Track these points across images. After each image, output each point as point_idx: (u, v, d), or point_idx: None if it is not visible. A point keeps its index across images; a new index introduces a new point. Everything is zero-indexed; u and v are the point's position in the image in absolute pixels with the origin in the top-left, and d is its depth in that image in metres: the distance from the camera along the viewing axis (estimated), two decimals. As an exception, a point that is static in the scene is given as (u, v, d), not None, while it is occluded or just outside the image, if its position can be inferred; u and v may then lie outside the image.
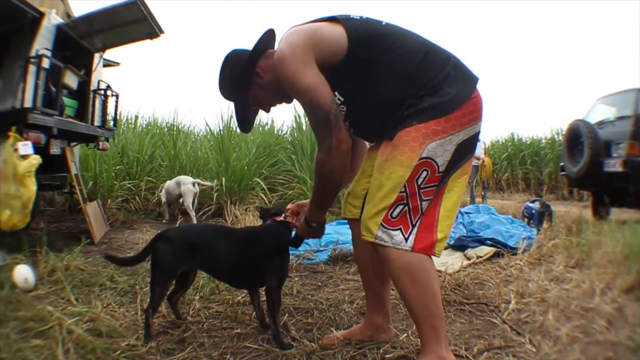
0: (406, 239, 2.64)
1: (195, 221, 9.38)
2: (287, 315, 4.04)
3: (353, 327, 3.53)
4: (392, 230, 2.65)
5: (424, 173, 2.61)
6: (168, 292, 3.67)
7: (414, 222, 2.66)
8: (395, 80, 2.70)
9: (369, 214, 2.74)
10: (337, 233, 7.03)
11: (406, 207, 2.65)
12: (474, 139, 2.75)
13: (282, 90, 2.83)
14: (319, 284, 5.16)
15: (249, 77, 2.96)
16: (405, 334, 3.47)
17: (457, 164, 2.69)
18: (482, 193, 14.67)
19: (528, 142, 20.46)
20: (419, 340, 3.15)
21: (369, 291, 3.49)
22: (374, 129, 2.99)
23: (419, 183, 2.62)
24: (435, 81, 2.65)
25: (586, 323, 3.39)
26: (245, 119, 3.27)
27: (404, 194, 2.63)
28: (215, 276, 3.85)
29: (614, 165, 8.82)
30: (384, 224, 2.66)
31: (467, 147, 2.70)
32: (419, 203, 2.65)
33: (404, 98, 2.68)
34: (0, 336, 3.03)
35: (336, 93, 2.80)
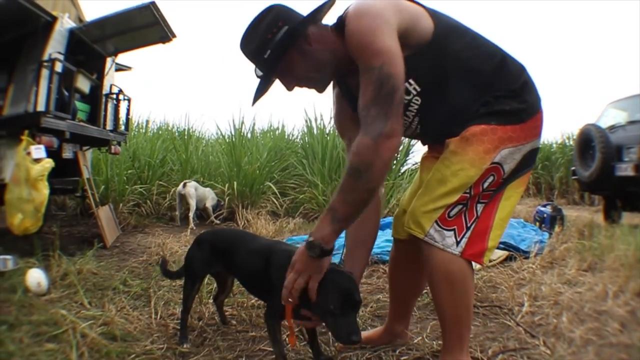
0: (457, 243, 2.52)
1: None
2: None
3: (370, 332, 3.49)
4: (446, 230, 2.52)
5: (491, 178, 2.52)
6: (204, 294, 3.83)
7: (468, 226, 2.54)
8: (473, 78, 2.57)
9: (424, 208, 2.58)
10: (342, 238, 6.90)
11: (464, 208, 2.54)
12: (536, 152, 2.72)
13: (321, 67, 2.58)
14: None
15: (295, 37, 2.50)
16: (420, 337, 3.46)
17: (518, 173, 2.63)
18: None
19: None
20: (433, 342, 3.22)
21: (397, 302, 3.43)
22: (443, 127, 2.65)
23: (484, 187, 2.53)
24: (514, 86, 2.57)
25: (599, 326, 3.38)
26: (262, 88, 2.69)
27: (468, 194, 2.52)
28: (240, 282, 3.77)
29: (625, 169, 8.76)
30: (439, 222, 2.53)
31: (530, 159, 2.66)
32: (476, 206, 2.55)
33: (480, 96, 2.57)
34: (14, 340, 3.02)
35: (411, 81, 2.55)
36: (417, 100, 2.61)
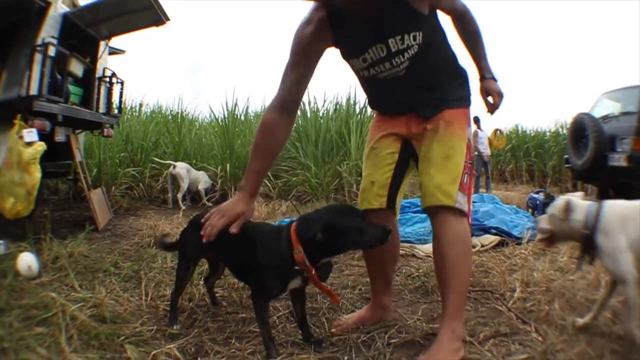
0: (466, 205, 2.89)
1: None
2: (288, 301, 3.95)
3: (361, 312, 3.56)
4: (464, 194, 2.85)
5: (468, 153, 2.96)
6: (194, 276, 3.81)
7: (471, 191, 2.95)
8: (451, 61, 3.12)
9: (446, 180, 2.84)
10: None
11: (468, 176, 2.91)
12: None
13: None
14: None
15: None
16: (412, 320, 3.50)
17: None
18: (486, 184, 14.71)
19: (532, 135, 20.48)
20: (424, 325, 3.32)
21: (379, 274, 3.54)
22: (421, 90, 3.05)
23: (467, 159, 2.94)
24: (466, 77, 3.12)
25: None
26: None
27: (468, 164, 2.92)
28: (228, 266, 3.78)
29: (618, 160, 8.81)
30: (462, 190, 2.83)
31: None
32: (468, 176, 2.92)
33: (452, 79, 3.10)
34: (3, 325, 3.04)
35: (420, 33, 2.79)
36: (415, 50, 2.83)
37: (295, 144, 12.13)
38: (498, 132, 14.88)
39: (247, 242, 3.04)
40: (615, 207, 3.09)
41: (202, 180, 10.45)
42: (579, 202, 3.21)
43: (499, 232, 6.26)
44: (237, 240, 3.08)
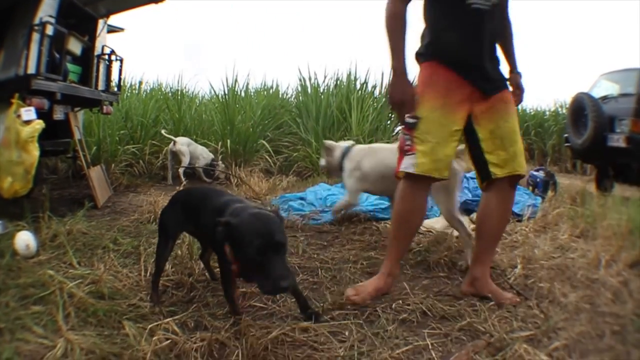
0: None
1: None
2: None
3: (374, 281, 3.67)
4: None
5: None
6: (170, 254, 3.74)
7: None
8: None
9: (520, 150, 3.51)
10: (342, 194, 6.95)
11: None
12: None
13: None
14: (325, 243, 5.25)
15: None
16: (416, 295, 3.60)
17: None
18: None
19: (532, 114, 20.34)
20: (427, 300, 3.45)
21: (406, 244, 3.89)
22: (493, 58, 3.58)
23: None
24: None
25: (592, 293, 3.47)
26: None
27: None
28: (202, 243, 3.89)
29: (617, 140, 8.80)
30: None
31: None
32: None
33: (498, 58, 3.64)
34: (-1, 305, 3.06)
35: None
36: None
37: (296, 119, 12.18)
38: None
39: (210, 220, 2.94)
40: (358, 148, 5.73)
41: (203, 156, 10.35)
42: (336, 144, 6.03)
43: None
44: (209, 215, 3.05)
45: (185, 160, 9.81)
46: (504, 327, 3.02)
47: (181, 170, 9.75)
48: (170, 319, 3.06)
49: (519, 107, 18.11)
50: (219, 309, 3.39)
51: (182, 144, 9.92)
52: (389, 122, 11.85)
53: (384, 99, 11.93)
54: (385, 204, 6.38)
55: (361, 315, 3.27)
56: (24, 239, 4.24)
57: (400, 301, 3.47)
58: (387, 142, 10.30)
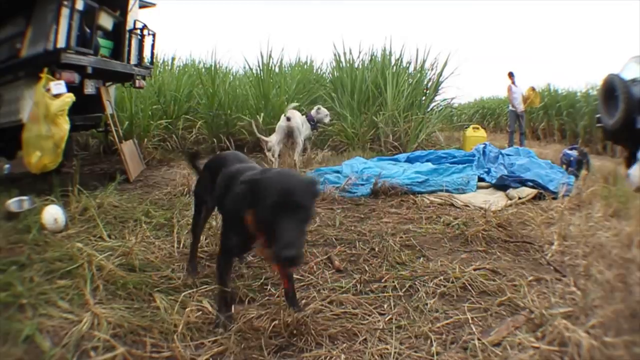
0: None
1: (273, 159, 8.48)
2: (330, 246, 4.13)
3: None
4: None
5: None
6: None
7: None
8: None
9: None
10: (379, 167, 7.08)
11: None
12: None
13: None
14: (362, 216, 5.22)
15: None
16: (453, 270, 3.55)
17: None
18: (520, 139, 14.44)
19: (564, 94, 20.17)
20: (465, 275, 3.38)
21: None
22: None
23: None
24: None
25: (625, 273, 3.31)
26: None
27: None
28: None
29: (646, 123, 8.62)
30: None
31: None
32: None
33: None
34: (23, 280, 3.03)
35: None
36: None
37: (331, 94, 12.06)
38: (533, 89, 14.68)
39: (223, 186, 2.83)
40: None
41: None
42: None
43: (535, 185, 6.21)
44: (220, 182, 2.94)
45: (300, 141, 8.75)
46: (542, 303, 2.98)
47: (298, 151, 8.69)
48: (203, 291, 3.07)
49: (551, 87, 17.93)
50: (254, 280, 3.38)
51: (298, 117, 8.86)
52: (423, 97, 11.72)
53: (418, 75, 11.80)
54: (422, 177, 6.34)
55: (400, 289, 3.27)
56: (52, 213, 4.22)
57: (440, 275, 3.44)
58: (422, 117, 10.51)
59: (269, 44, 21.14)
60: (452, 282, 3.31)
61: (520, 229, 4.57)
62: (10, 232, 4.00)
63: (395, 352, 2.53)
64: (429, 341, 2.65)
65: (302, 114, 9.06)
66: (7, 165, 9.13)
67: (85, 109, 6.88)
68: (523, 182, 6.29)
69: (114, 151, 7.83)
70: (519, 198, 5.86)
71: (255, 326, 2.72)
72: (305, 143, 9.22)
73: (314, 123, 9.33)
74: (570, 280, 3.34)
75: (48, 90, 5.21)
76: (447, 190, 6.04)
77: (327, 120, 9.65)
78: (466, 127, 12.83)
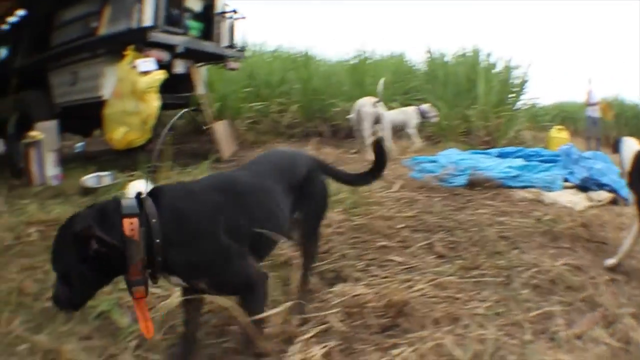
0: None
1: (367, 144, 7.84)
2: (430, 232, 4.21)
3: None
4: None
5: None
6: None
7: None
8: None
9: None
10: (474, 160, 7.06)
11: None
12: None
13: None
14: (459, 205, 5.20)
15: None
16: (544, 263, 3.56)
17: None
18: (596, 144, 14.31)
19: (632, 105, 20.34)
20: (555, 269, 3.45)
21: None
22: None
23: None
24: None
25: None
26: None
27: None
28: None
29: None
30: None
31: None
32: None
33: None
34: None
35: None
36: None
37: (425, 85, 11.97)
38: (607, 103, 14.43)
39: None
40: None
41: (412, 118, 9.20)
42: None
43: (611, 189, 6.15)
44: None
45: (387, 133, 8.28)
46: (614, 302, 3.06)
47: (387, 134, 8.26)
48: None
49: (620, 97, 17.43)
50: (358, 260, 3.41)
51: (363, 105, 8.39)
52: (510, 95, 11.56)
53: (506, 73, 11.65)
54: (514, 172, 6.37)
55: (497, 277, 3.35)
56: (138, 188, 4.04)
57: (533, 268, 3.48)
58: (511, 114, 10.55)
59: (364, 32, 21.23)
60: (543, 275, 3.38)
61: (599, 231, 4.51)
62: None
63: (493, 339, 2.56)
64: (522, 330, 2.72)
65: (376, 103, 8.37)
66: (79, 144, 9.24)
67: (174, 89, 6.85)
68: (600, 186, 6.23)
69: (204, 131, 7.76)
70: (598, 201, 5.86)
71: (361, 305, 2.76)
72: (415, 131, 9.17)
73: (423, 117, 9.29)
74: (637, 283, 3.41)
75: (134, 67, 5.23)
76: (535, 187, 6.03)
77: (433, 120, 9.62)
78: (550, 128, 12.57)
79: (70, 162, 6.82)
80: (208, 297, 2.38)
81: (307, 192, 2.77)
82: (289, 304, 2.51)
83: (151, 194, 2.15)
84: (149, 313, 2.13)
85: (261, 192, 2.47)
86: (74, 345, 2.42)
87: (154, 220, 2.02)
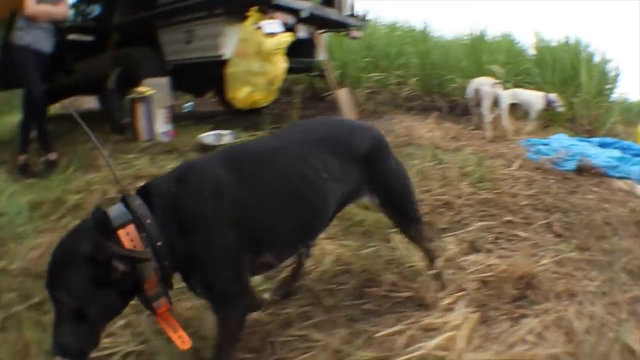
0: None
1: (486, 122, 7.93)
2: (548, 212, 4.41)
3: None
4: None
5: None
6: None
7: None
8: None
9: None
10: (579, 146, 7.17)
11: None
12: None
13: None
14: (571, 189, 5.38)
15: None
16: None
17: None
18: None
19: None
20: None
21: None
22: None
23: None
24: None
25: None
26: None
27: None
28: None
29: None
30: None
31: None
32: None
33: None
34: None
35: None
36: None
37: (535, 69, 11.66)
38: None
39: None
40: None
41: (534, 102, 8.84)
42: None
43: None
44: None
45: (505, 113, 8.07)
46: None
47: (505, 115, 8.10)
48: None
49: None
50: (487, 233, 3.68)
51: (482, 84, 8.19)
52: (608, 87, 11.18)
53: (602, 65, 11.30)
54: (614, 162, 6.40)
55: (603, 259, 3.48)
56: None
57: (629, 254, 3.59)
58: (609, 105, 10.54)
59: (481, 11, 21.04)
60: (637, 261, 3.49)
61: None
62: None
63: (599, 315, 2.71)
64: (619, 309, 2.85)
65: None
66: (188, 104, 9.29)
67: (296, 53, 6.75)
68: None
69: (323, 98, 7.75)
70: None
71: (494, 275, 2.99)
72: (536, 116, 8.90)
73: (549, 105, 8.93)
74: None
75: (259, 28, 5.24)
76: (630, 179, 6.01)
77: (558, 109, 9.17)
78: (639, 124, 12.11)
79: (181, 121, 6.97)
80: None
81: (377, 173, 2.57)
82: (432, 271, 2.77)
83: (140, 191, 1.98)
84: (177, 323, 1.98)
85: (291, 171, 2.20)
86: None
87: (148, 222, 1.86)
